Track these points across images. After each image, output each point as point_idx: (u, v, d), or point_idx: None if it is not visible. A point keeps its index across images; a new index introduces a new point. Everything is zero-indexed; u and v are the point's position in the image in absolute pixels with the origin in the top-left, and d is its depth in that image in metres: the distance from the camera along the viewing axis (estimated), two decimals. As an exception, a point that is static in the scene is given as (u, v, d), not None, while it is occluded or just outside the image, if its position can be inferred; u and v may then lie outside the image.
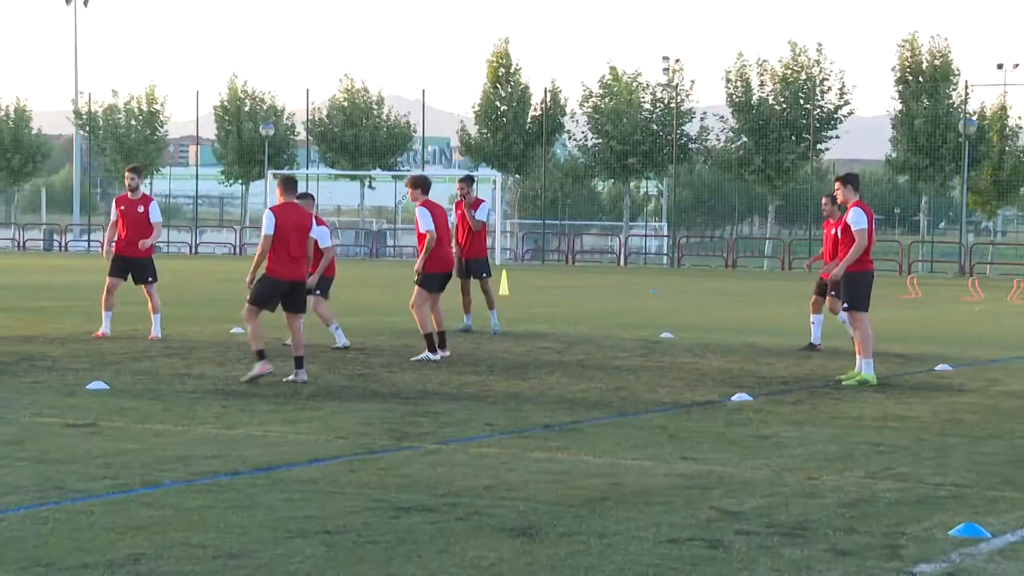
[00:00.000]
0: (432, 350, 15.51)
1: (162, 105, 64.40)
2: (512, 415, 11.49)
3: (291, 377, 13.26)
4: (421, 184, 16.19)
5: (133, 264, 17.55)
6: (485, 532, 7.21)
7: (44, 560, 6.47)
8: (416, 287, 15.87)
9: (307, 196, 16.23)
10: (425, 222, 15.95)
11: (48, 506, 7.63)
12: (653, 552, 6.83)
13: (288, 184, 13.53)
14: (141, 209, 17.57)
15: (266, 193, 53.48)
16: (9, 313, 21.43)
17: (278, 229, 13.17)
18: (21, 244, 62.69)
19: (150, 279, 17.50)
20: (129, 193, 17.76)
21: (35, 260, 48.46)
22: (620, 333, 19.60)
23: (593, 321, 22.10)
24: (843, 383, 14.02)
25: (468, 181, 19.84)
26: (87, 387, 12.55)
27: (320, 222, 15.78)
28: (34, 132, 67.06)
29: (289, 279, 13.31)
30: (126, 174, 18.11)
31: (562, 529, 7.29)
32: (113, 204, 17.98)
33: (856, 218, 14.24)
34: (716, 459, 9.52)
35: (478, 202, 19.53)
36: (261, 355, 13.17)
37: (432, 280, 15.94)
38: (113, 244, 17.63)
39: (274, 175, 56.00)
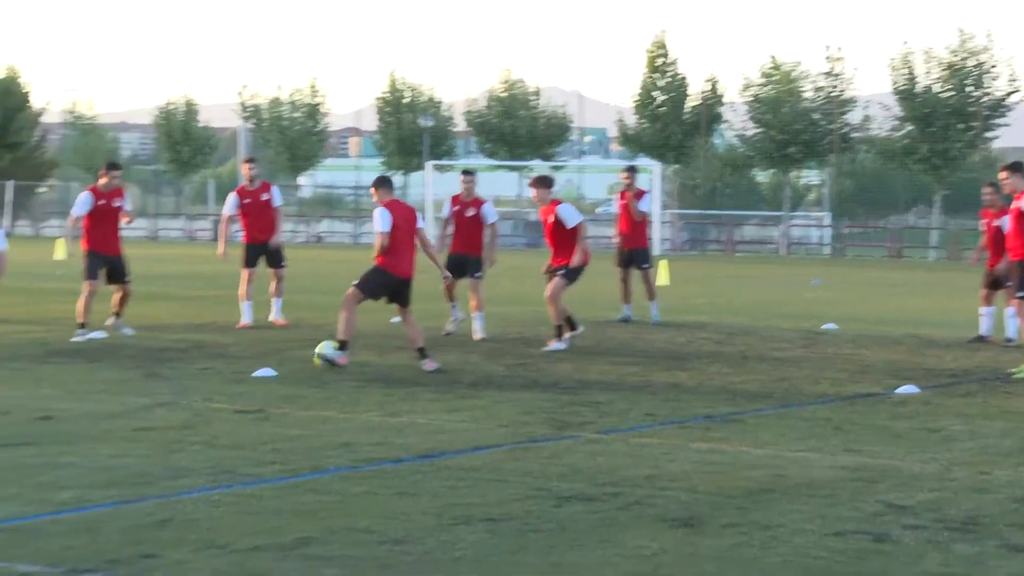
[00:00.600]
0: (560, 338, 15.61)
1: (324, 97, 65.61)
2: (672, 405, 11.44)
3: (425, 367, 13.36)
4: (550, 184, 16.25)
5: (266, 250, 17.87)
6: (646, 522, 7.18)
7: (217, 542, 6.63)
8: (560, 278, 15.96)
9: (471, 172, 17.23)
10: (575, 217, 16.05)
11: (220, 489, 7.83)
12: (819, 545, 6.74)
13: (385, 183, 13.66)
14: (265, 197, 17.88)
15: (426, 184, 54.07)
16: (179, 302, 22.03)
17: (394, 226, 13.34)
18: (191, 234, 64.34)
19: (283, 264, 17.91)
20: (247, 183, 17.99)
21: (204, 250, 49.64)
22: (781, 324, 19.36)
23: (753, 311, 21.86)
24: (1015, 376, 13.65)
25: (633, 171, 19.84)
26: (254, 374, 12.84)
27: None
28: (202, 125, 68.83)
29: (402, 275, 13.49)
30: (244, 165, 18.38)
31: (725, 520, 7.23)
32: (234, 197, 17.92)
33: (1030, 204, 13.83)
34: (882, 452, 9.35)
35: (641, 192, 19.51)
36: (344, 346, 13.29)
37: (578, 274, 16.13)
38: (239, 239, 17.89)
39: (434, 166, 56.63)
